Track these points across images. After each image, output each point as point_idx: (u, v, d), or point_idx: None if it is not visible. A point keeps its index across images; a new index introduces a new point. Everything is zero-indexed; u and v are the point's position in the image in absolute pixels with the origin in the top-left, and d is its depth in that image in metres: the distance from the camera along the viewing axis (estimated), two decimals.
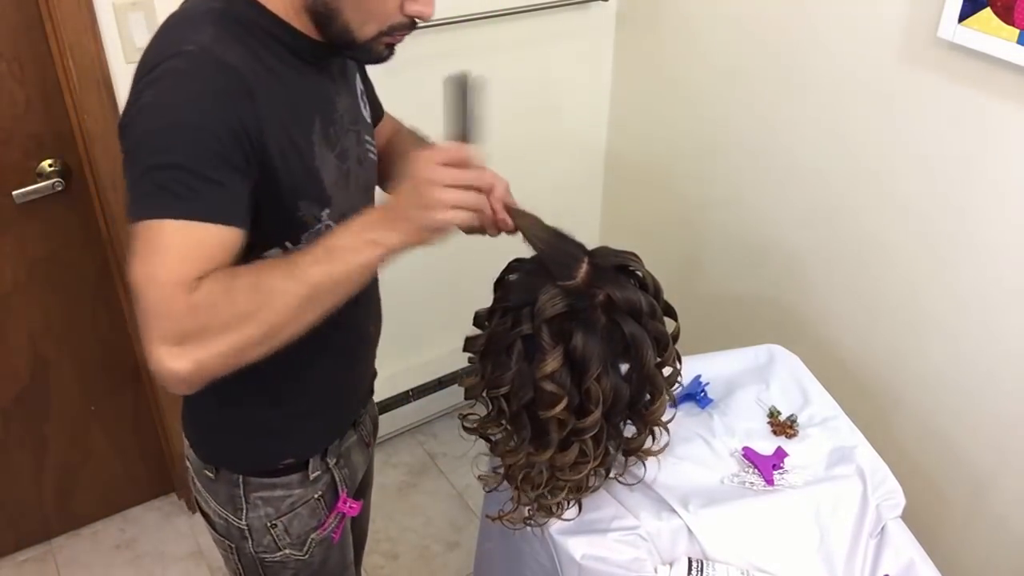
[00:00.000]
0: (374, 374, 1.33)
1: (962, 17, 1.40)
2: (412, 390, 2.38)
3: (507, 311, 1.09)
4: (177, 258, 0.84)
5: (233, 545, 1.21)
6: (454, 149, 0.93)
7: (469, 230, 1.17)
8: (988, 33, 1.37)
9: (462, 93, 0.95)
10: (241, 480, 1.15)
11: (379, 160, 1.19)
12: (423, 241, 0.92)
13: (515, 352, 1.08)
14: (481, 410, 1.18)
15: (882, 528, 1.30)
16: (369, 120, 1.16)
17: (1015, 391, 1.56)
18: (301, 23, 0.96)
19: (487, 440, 1.20)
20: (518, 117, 2.16)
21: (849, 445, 1.36)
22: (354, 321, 1.16)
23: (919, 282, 1.66)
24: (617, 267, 1.11)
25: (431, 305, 2.24)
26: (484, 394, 1.14)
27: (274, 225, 0.97)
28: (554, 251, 1.06)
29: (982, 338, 1.58)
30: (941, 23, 1.43)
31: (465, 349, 1.14)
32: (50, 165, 1.72)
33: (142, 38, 1.60)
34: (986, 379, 1.60)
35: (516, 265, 1.13)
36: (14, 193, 1.69)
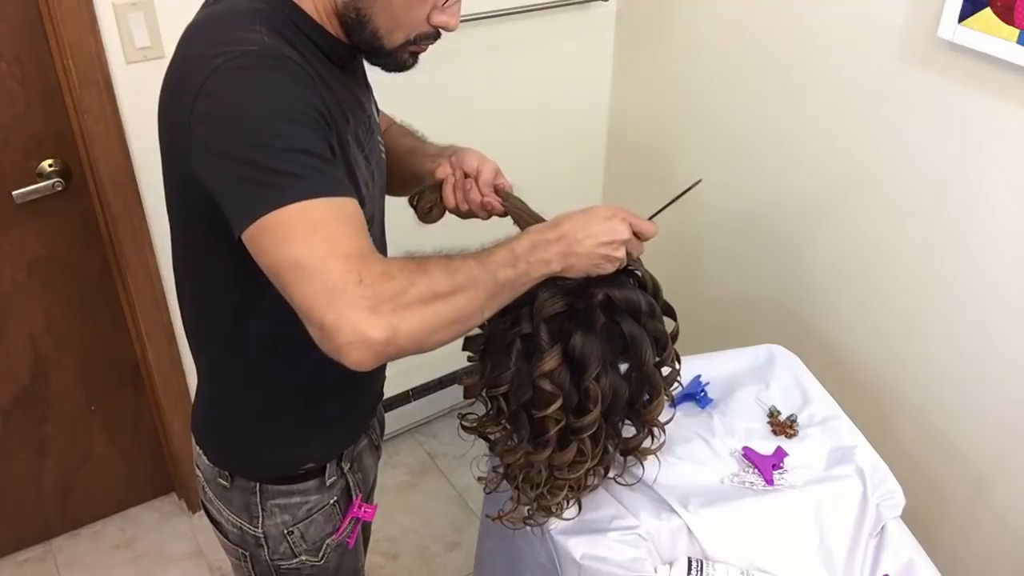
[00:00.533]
0: (385, 376, 1.33)
1: (962, 17, 1.40)
2: (412, 390, 2.38)
3: (506, 310, 1.09)
4: (343, 230, 0.83)
5: (247, 553, 1.20)
6: (651, 228, 1.05)
7: (466, 215, 1.18)
8: (988, 33, 1.37)
9: (682, 193, 1.11)
10: (258, 488, 1.15)
11: None
12: (567, 273, 0.99)
13: (514, 351, 1.08)
14: (480, 409, 1.18)
15: (882, 528, 1.30)
16: (378, 121, 1.16)
17: (1015, 391, 1.55)
18: (333, 28, 0.97)
19: (486, 439, 1.20)
20: (518, 117, 2.16)
21: (849, 445, 1.36)
22: None
23: (919, 282, 1.66)
24: None
25: None
26: (483, 393, 1.14)
27: None
28: None
29: (982, 338, 1.58)
30: (941, 23, 1.43)
31: (465, 348, 1.14)
32: (50, 165, 1.72)
33: (142, 38, 1.61)
34: (986, 379, 1.59)
35: None
36: (14, 193, 1.69)
